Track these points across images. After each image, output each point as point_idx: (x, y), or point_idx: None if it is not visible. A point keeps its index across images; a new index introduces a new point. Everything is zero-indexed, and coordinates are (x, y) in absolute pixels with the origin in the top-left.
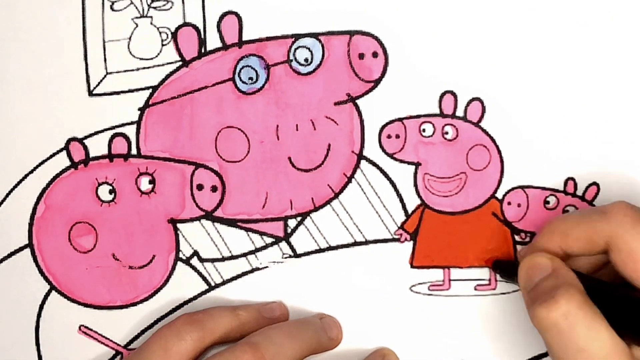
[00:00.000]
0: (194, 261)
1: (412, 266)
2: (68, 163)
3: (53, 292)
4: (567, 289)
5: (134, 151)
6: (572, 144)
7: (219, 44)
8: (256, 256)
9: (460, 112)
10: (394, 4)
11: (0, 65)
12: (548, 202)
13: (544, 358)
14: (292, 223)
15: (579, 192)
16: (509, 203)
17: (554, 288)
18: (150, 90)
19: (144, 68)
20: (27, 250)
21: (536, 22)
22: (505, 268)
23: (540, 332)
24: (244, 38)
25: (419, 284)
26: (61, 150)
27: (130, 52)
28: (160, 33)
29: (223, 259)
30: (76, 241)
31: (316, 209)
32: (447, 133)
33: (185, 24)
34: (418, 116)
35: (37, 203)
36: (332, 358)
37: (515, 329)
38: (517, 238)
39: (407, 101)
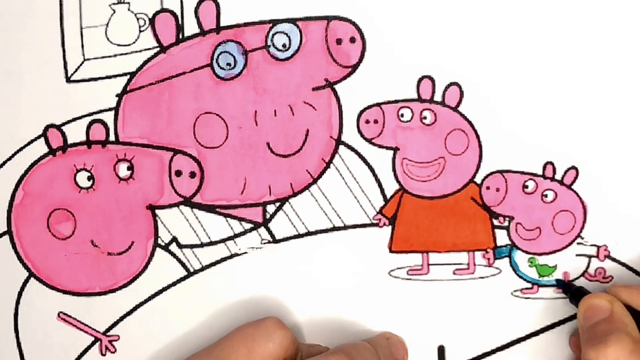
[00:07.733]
0: (173, 247)
1: (390, 251)
2: (46, 150)
3: (32, 278)
4: (619, 336)
5: (112, 137)
6: (550, 128)
7: (196, 30)
8: (235, 242)
9: (438, 97)
10: None
11: None
12: (527, 187)
13: (522, 342)
14: (270, 209)
15: (558, 176)
16: (488, 187)
17: (607, 333)
18: (128, 76)
19: (121, 54)
20: (6, 237)
21: (514, 8)
22: (573, 293)
23: None
24: (222, 24)
25: (398, 268)
26: (39, 137)
27: (108, 39)
28: (137, 19)
29: (202, 245)
30: (55, 228)
31: (295, 195)
32: (425, 118)
33: (163, 10)
34: (396, 101)
35: (15, 190)
36: (312, 342)
37: (493, 312)
38: (495, 222)
39: (385, 86)
